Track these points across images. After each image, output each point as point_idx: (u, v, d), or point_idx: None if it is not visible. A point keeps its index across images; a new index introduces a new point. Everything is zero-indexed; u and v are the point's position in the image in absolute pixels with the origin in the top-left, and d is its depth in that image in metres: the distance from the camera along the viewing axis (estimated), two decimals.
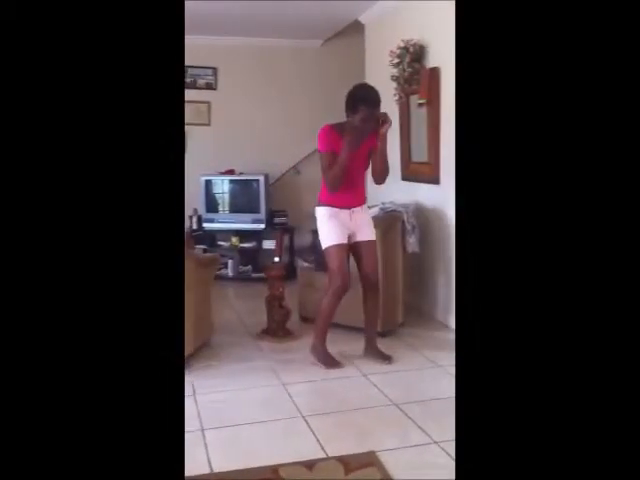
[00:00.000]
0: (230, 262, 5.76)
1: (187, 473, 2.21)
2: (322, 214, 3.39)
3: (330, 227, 3.35)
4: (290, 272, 5.09)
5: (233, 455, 2.38)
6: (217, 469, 2.26)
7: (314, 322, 3.50)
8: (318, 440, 2.49)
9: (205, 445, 2.46)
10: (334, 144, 3.26)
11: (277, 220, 5.90)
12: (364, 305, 3.51)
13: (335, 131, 3.28)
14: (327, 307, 3.38)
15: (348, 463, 2.26)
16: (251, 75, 6.20)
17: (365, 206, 3.49)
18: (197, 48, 6.00)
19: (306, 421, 2.68)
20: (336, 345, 3.58)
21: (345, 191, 3.33)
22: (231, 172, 5.94)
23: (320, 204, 3.41)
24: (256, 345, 3.83)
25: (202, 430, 2.61)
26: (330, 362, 3.38)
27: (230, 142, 6.09)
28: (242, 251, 5.88)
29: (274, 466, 2.25)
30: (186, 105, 6.13)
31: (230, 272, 5.77)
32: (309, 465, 2.26)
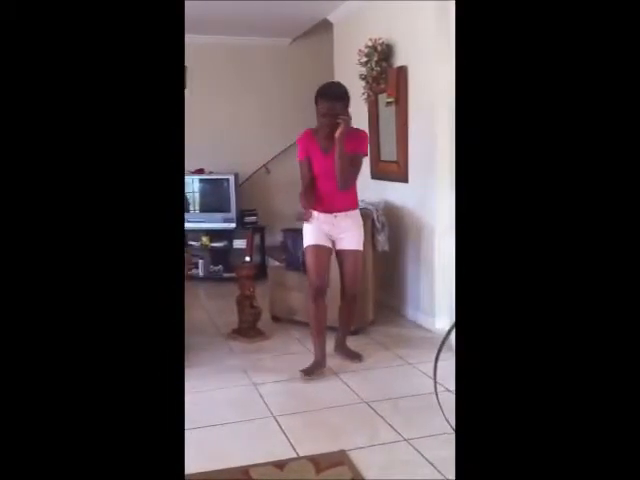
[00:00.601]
0: (201, 262, 5.74)
1: None
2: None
3: (309, 229, 3.30)
4: (261, 272, 5.10)
5: (204, 457, 2.38)
6: (188, 471, 2.26)
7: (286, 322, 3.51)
8: (289, 440, 2.51)
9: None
10: (309, 148, 3.23)
11: (247, 219, 5.90)
12: (339, 309, 3.49)
13: (312, 134, 3.25)
14: (307, 309, 3.38)
15: (319, 462, 2.28)
16: (221, 73, 6.18)
17: (352, 212, 3.31)
18: None
19: (277, 421, 2.70)
20: (308, 343, 3.59)
21: (325, 197, 3.25)
22: (201, 171, 5.92)
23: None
24: (227, 345, 3.83)
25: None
26: (309, 370, 3.25)
27: (200, 141, 6.05)
28: (213, 251, 5.86)
29: (245, 467, 2.26)
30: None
31: (201, 272, 5.75)
32: (280, 465, 2.27)
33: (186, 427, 2.61)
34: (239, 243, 5.66)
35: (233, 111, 6.19)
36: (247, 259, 4.29)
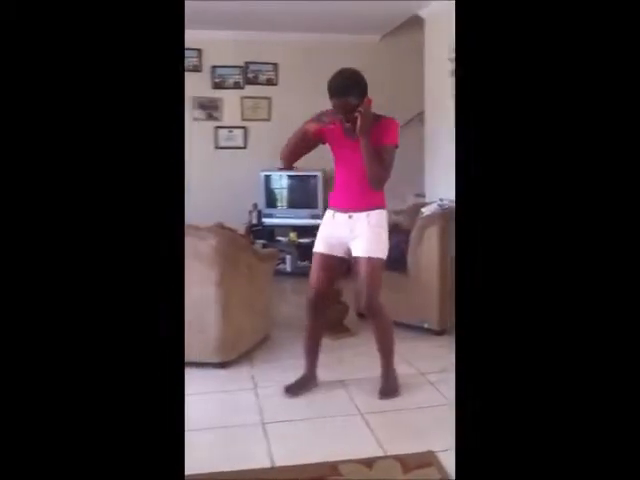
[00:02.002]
0: (288, 257, 5.84)
1: (247, 466, 2.29)
2: (325, 216, 3.01)
3: (320, 231, 2.97)
4: (347, 268, 5.11)
5: (293, 450, 2.43)
6: (278, 463, 2.32)
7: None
8: (376, 438, 2.52)
9: (266, 439, 2.53)
10: (331, 128, 2.87)
11: None
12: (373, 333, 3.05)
13: (336, 125, 2.88)
14: (307, 323, 3.05)
15: (406, 462, 2.28)
16: (311, 70, 6.23)
17: (372, 212, 2.83)
18: (259, 44, 6.09)
19: (364, 418, 2.71)
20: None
21: (342, 190, 2.90)
22: (290, 168, 6.00)
23: (328, 205, 3.04)
24: None
25: (263, 424, 2.68)
26: (293, 386, 3.01)
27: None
28: (300, 246, 5.93)
29: (333, 462, 2.29)
30: (246, 101, 6.25)
31: (288, 267, 5.85)
32: (368, 463, 2.29)
33: (277, 420, 2.71)
34: None
35: (321, 107, 6.23)
36: None
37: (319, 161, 5.97)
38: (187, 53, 6.06)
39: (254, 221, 5.94)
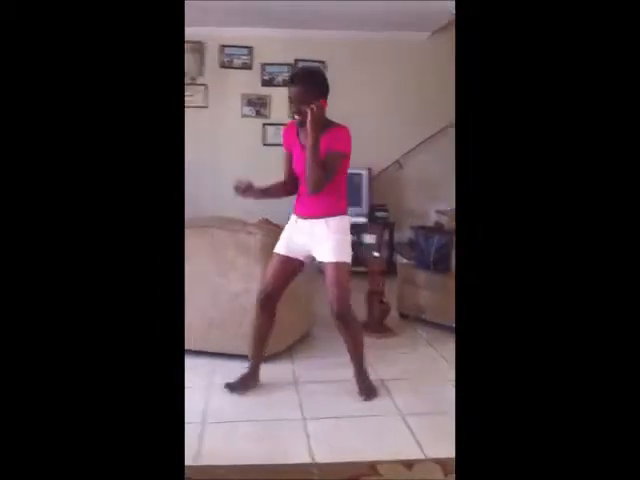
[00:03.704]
0: None
1: (286, 460, 2.32)
2: (289, 221, 3.00)
3: (282, 234, 2.97)
4: (389, 267, 5.11)
5: (333, 447, 2.45)
6: (319, 460, 2.34)
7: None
8: (417, 440, 2.52)
9: (307, 435, 2.55)
10: (290, 140, 2.91)
11: (378, 214, 5.93)
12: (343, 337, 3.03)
13: (294, 127, 2.89)
14: (255, 317, 3.06)
15: (447, 466, 2.27)
16: (357, 68, 6.23)
17: (331, 219, 2.82)
18: (308, 42, 6.11)
19: (404, 420, 2.71)
20: (436, 344, 3.55)
21: (303, 196, 2.89)
22: None
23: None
24: None
25: (304, 419, 2.71)
26: (235, 384, 3.02)
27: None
28: None
29: (372, 462, 2.30)
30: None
31: None
32: (408, 465, 2.29)
33: (317, 416, 2.73)
34: (368, 238, 5.70)
35: (369, 106, 6.23)
36: (376, 254, 4.33)
37: (365, 159, 6.02)
38: (238, 51, 6.14)
39: None
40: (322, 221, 2.83)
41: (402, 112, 6.17)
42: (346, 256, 2.87)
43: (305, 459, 2.35)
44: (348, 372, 3.22)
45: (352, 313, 2.94)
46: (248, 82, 6.13)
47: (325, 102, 2.77)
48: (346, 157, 2.83)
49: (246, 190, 2.80)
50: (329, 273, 2.84)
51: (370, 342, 3.79)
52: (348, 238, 2.90)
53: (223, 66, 6.15)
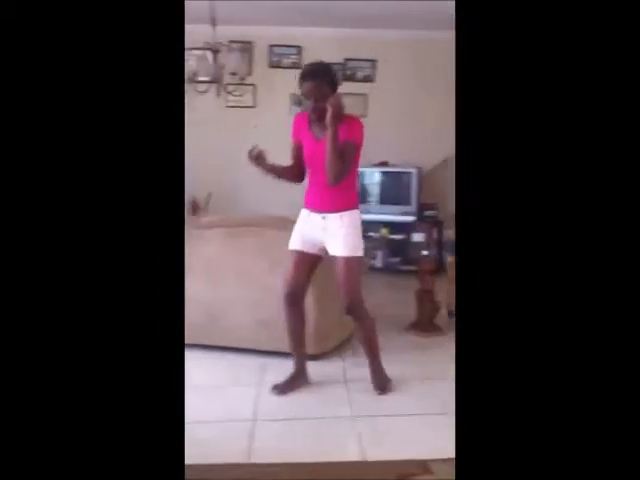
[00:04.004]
0: (379, 253, 5.86)
1: (337, 458, 2.34)
2: (300, 215, 3.00)
3: (295, 229, 2.97)
4: (438, 266, 5.09)
5: (384, 445, 2.47)
6: (369, 458, 2.36)
7: None
8: None
9: (358, 433, 2.57)
10: (301, 131, 2.92)
11: (427, 213, 5.91)
12: (357, 333, 3.11)
13: (307, 117, 2.90)
14: (284, 317, 3.04)
15: None
16: (408, 67, 6.21)
17: (345, 213, 2.86)
18: (356, 41, 6.12)
19: (453, 418, 2.70)
20: None
21: (315, 191, 2.90)
22: (384, 164, 6.02)
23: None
24: (404, 338, 3.89)
25: (353, 417, 2.73)
26: (282, 385, 3.04)
27: (385, 134, 6.15)
28: (391, 243, 5.95)
29: (424, 460, 2.30)
30: (344, 97, 6.29)
31: (379, 263, 5.87)
32: None
33: (367, 414, 2.75)
34: (417, 236, 5.70)
35: (420, 104, 6.20)
36: (425, 253, 4.32)
37: (415, 158, 6.00)
38: (287, 50, 6.19)
39: None
40: (336, 215, 2.85)
41: (453, 111, 6.11)
42: (358, 250, 2.89)
43: (356, 457, 2.37)
44: (398, 370, 3.23)
45: (364, 308, 2.96)
46: (297, 81, 6.18)
47: (340, 94, 2.84)
48: (359, 148, 2.88)
49: (257, 157, 2.83)
50: (340, 267, 2.86)
51: (418, 341, 3.81)
52: (360, 232, 2.92)
53: (272, 66, 6.21)
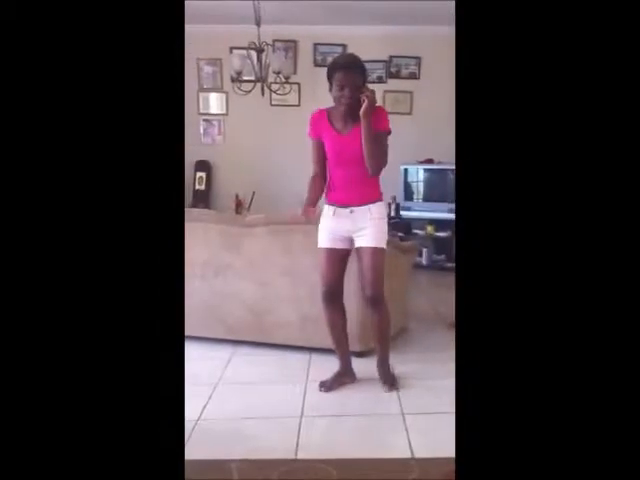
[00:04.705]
0: (425, 250, 5.82)
1: (386, 455, 2.33)
2: (324, 212, 2.96)
3: (322, 227, 2.93)
4: None
5: (432, 442, 2.44)
6: (418, 455, 2.34)
7: None
8: None
9: (406, 429, 2.56)
10: (321, 128, 2.86)
11: None
12: (372, 325, 3.06)
13: (325, 113, 2.87)
14: (324, 315, 3.02)
15: None
16: (453, 64, 6.12)
17: (373, 206, 2.87)
18: (400, 38, 6.09)
19: None
20: None
21: (341, 186, 2.87)
22: (430, 161, 5.97)
23: (325, 201, 2.97)
24: (448, 334, 3.84)
25: (402, 414, 2.71)
26: (329, 382, 3.03)
27: (430, 131, 6.10)
28: (437, 240, 5.90)
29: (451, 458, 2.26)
30: (387, 95, 6.28)
31: (425, 260, 5.83)
32: None
33: (415, 411, 2.73)
34: None
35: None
36: None
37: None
38: (332, 49, 6.20)
39: (392, 213, 5.98)
40: (365, 208, 2.85)
41: None
42: (384, 242, 2.90)
43: (405, 454, 2.35)
44: (446, 368, 3.19)
45: (385, 300, 2.95)
46: None
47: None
48: (389, 134, 2.86)
49: (308, 214, 2.84)
50: (367, 258, 2.85)
51: (447, 335, 3.75)
52: (386, 224, 2.94)
53: (317, 64, 6.22)
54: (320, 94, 6.41)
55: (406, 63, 6.22)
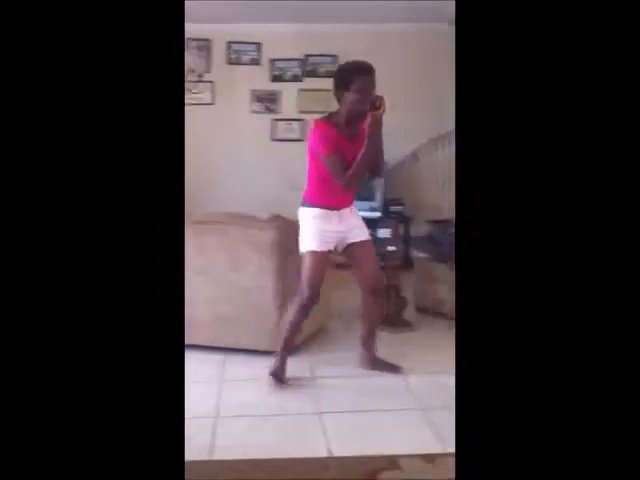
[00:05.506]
0: None
1: (304, 455, 2.25)
2: (307, 215, 2.93)
3: (313, 230, 2.90)
4: (405, 262, 5.03)
5: (350, 441, 2.38)
6: (335, 453, 2.27)
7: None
8: (436, 434, 2.43)
9: (324, 428, 2.48)
10: (335, 139, 2.79)
11: (393, 209, 5.84)
12: (366, 311, 3.12)
13: (331, 123, 2.83)
14: (293, 320, 2.98)
15: None
16: (371, 61, 6.15)
17: (354, 207, 3.03)
18: (316, 36, 6.05)
19: (424, 414, 2.63)
20: None
21: (333, 191, 2.87)
22: None
23: (306, 204, 2.94)
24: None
25: (320, 413, 2.64)
26: (276, 378, 2.97)
27: None
28: None
29: (393, 456, 2.22)
30: (305, 93, 6.23)
31: (344, 259, 5.78)
32: (429, 459, 2.21)
33: (334, 410, 2.66)
34: (383, 232, 5.60)
35: (386, 99, 6.15)
36: (392, 249, 4.25)
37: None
38: (246, 47, 6.10)
39: None
40: (348, 209, 2.99)
41: (420, 103, 6.07)
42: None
43: (323, 453, 2.27)
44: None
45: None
46: (257, 78, 6.08)
47: None
48: None
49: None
50: (366, 250, 3.02)
51: (387, 336, 3.72)
52: None
53: (230, 62, 6.10)
54: (235, 92, 6.37)
55: (322, 62, 6.18)
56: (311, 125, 2.91)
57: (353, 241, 2.98)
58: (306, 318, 3.01)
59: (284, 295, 3.28)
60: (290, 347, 3.07)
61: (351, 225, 2.98)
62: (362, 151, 2.76)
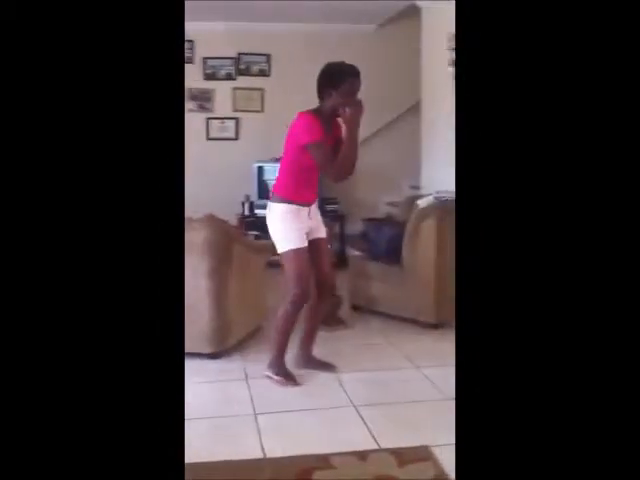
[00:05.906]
0: None
1: (238, 456, 2.24)
2: (282, 211, 2.90)
3: (291, 228, 2.90)
4: (340, 260, 5.06)
5: (285, 441, 2.38)
6: (270, 454, 2.26)
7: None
8: (370, 431, 2.46)
9: (258, 430, 2.47)
10: (320, 131, 2.82)
11: (328, 208, 5.86)
12: (312, 310, 3.10)
13: (317, 116, 2.86)
14: (286, 319, 2.97)
15: (401, 456, 2.22)
16: (304, 61, 6.15)
17: (316, 203, 3.07)
18: (250, 35, 6.01)
19: (358, 411, 2.65)
20: (389, 334, 3.51)
21: (306, 187, 2.94)
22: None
23: (278, 200, 2.93)
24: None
25: (254, 415, 2.63)
26: (287, 378, 3.00)
27: (284, 128, 6.05)
28: None
29: (325, 454, 2.23)
30: (239, 92, 6.18)
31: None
32: (362, 456, 2.23)
33: (268, 411, 2.65)
34: None
35: (315, 97, 6.16)
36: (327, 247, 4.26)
37: None
38: None
39: (246, 212, 5.88)
40: (314, 206, 3.04)
41: None
42: None
43: (257, 454, 2.26)
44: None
45: None
46: (190, 76, 5.97)
47: None
48: None
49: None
50: (324, 248, 3.09)
51: (322, 335, 3.73)
52: None
53: None
54: None
55: (256, 60, 6.15)
56: (295, 117, 2.91)
57: (316, 237, 3.03)
58: (296, 319, 3.01)
59: (218, 296, 3.24)
60: (285, 349, 3.06)
61: (317, 221, 3.06)
62: (346, 144, 2.83)
